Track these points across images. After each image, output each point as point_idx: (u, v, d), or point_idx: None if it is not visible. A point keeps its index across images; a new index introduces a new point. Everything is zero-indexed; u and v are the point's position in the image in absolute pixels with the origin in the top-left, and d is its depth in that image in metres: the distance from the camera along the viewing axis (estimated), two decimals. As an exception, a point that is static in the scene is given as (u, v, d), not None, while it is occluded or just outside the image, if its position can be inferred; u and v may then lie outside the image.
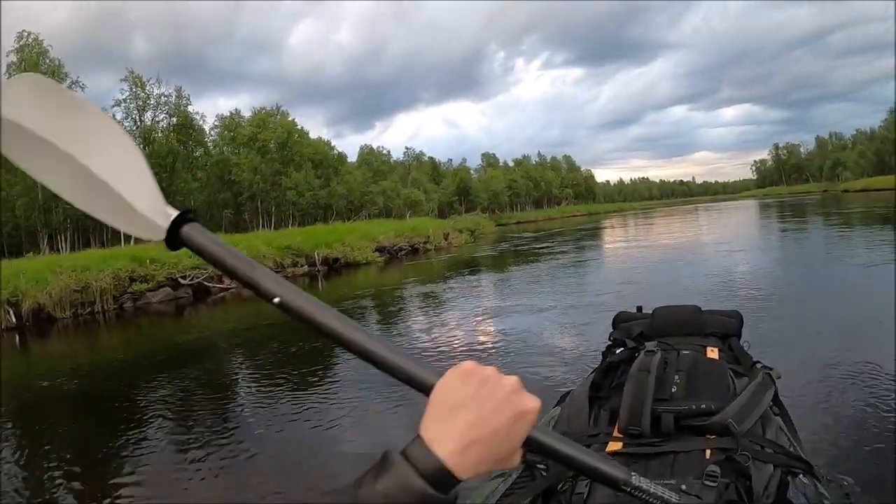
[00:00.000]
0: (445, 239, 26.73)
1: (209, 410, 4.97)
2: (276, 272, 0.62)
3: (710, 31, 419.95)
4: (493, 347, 6.11)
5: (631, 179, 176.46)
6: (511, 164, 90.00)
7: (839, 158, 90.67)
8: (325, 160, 52.46)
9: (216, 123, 47.37)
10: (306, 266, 18.51)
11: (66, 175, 0.58)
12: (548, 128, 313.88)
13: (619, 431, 1.23)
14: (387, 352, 0.53)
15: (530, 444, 0.49)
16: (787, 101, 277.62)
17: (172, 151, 38.97)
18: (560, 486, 1.13)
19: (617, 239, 23.94)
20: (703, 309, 1.74)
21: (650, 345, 1.47)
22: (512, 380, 0.47)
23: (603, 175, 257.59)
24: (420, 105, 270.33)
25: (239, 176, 42.77)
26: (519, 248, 21.62)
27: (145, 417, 4.86)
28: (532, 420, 0.47)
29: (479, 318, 7.97)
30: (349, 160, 63.16)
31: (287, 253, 18.46)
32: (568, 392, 1.57)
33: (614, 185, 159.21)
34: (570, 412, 1.39)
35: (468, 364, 0.47)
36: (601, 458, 0.54)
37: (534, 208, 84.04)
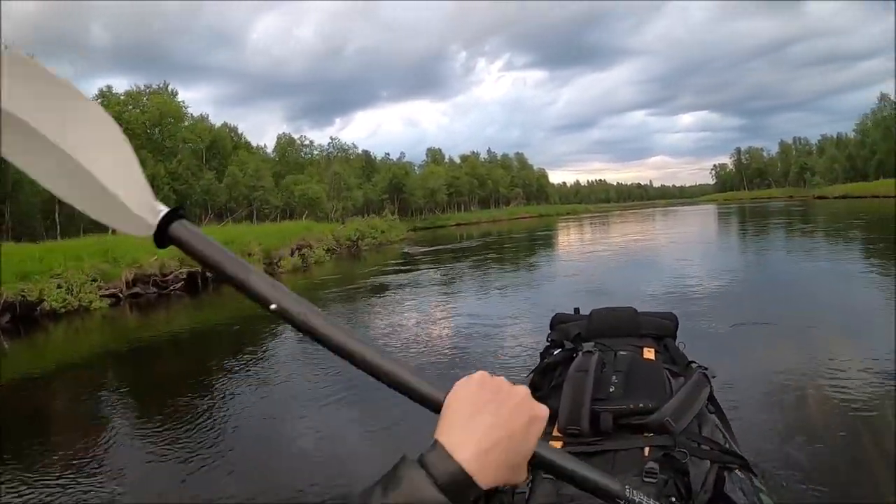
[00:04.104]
0: (295, 255, 18.62)
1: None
2: None
3: (672, 39, 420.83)
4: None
5: (588, 182, 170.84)
6: (458, 160, 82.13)
7: (806, 163, 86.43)
8: (223, 149, 43.70)
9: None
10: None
11: (50, 163, 0.49)
12: (507, 129, 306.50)
13: (558, 431, 1.21)
14: (394, 366, 0.51)
15: (535, 459, 0.49)
16: (744, 109, 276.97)
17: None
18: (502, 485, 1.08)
19: (556, 259, 16.14)
20: (638, 311, 1.72)
21: (588, 346, 1.46)
22: (523, 388, 0.48)
23: (561, 177, 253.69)
24: (380, 102, 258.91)
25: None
26: (385, 281, 13.67)
27: None
28: (542, 426, 0.48)
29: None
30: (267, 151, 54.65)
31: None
32: None
33: (571, 186, 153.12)
34: None
35: (481, 374, 0.48)
36: (600, 473, 0.55)
37: (479, 208, 76.58)
